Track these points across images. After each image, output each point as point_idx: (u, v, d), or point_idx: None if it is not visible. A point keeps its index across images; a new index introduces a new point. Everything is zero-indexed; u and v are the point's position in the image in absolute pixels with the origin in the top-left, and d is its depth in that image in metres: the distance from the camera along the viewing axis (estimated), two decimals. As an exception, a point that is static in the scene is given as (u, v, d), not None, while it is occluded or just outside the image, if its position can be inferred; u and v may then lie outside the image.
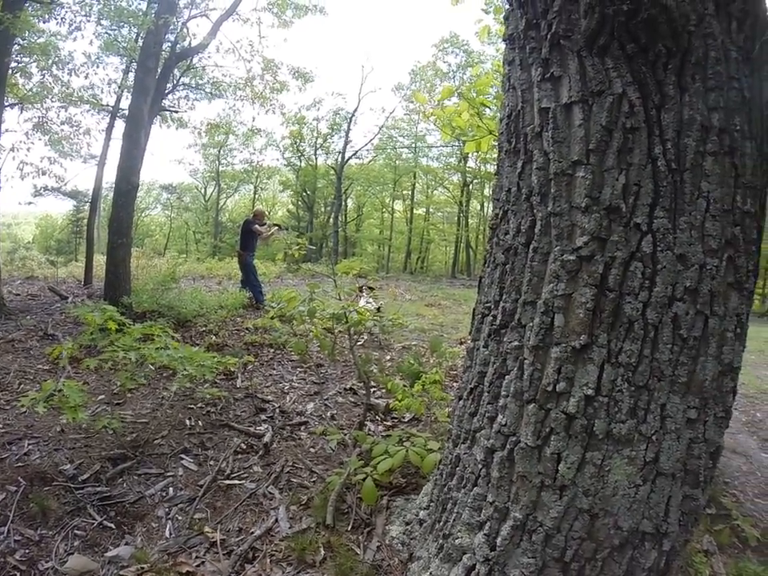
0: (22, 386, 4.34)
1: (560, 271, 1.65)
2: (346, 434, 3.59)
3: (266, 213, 10.15)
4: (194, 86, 11.09)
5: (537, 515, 1.71)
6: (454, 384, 5.06)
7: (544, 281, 1.70)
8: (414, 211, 35.74)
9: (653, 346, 1.60)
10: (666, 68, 1.60)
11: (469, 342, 2.10)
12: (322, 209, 37.76)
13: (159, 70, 8.17)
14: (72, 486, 2.83)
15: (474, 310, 2.11)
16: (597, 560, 1.66)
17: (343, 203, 35.23)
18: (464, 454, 1.98)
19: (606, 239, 1.60)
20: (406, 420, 3.98)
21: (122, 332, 3.65)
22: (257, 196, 39.90)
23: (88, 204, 11.92)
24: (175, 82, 9.62)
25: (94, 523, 2.60)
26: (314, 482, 3.09)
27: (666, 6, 1.51)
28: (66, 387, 2.76)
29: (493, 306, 1.89)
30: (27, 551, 2.37)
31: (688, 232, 1.57)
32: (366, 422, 3.70)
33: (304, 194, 36.10)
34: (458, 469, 2.02)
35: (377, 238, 38.12)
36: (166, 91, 8.88)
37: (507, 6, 2.02)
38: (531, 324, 1.71)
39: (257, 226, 8.62)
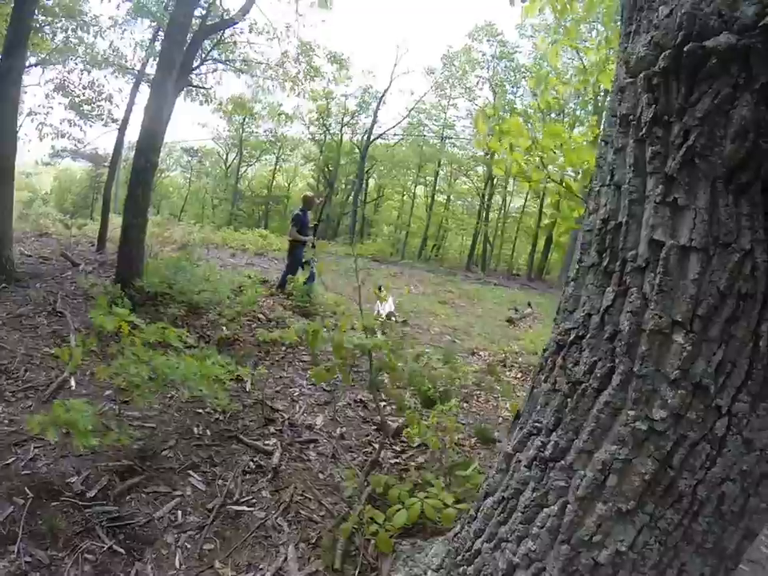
0: (28, 373, 4.29)
1: (628, 437, 1.56)
2: (355, 459, 3.56)
3: (316, 198, 9.84)
4: (222, 60, 10.81)
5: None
6: (465, 404, 5.02)
7: (607, 438, 1.61)
8: (435, 198, 35.66)
9: (693, 517, 1.54)
10: None
11: (505, 444, 2.02)
12: (343, 186, 37.66)
13: (187, 43, 7.90)
14: (80, 503, 2.79)
15: (516, 414, 2.02)
16: None
17: (364, 183, 35.13)
18: (485, 552, 1.92)
19: (683, 416, 1.50)
20: (416, 445, 3.93)
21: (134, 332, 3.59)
22: (278, 167, 39.81)
23: (107, 167, 11.72)
24: (204, 56, 9.32)
25: (104, 547, 2.56)
26: (322, 516, 3.05)
27: None
28: (74, 409, 2.71)
29: (544, 432, 1.79)
30: (38, 574, 2.35)
31: (764, 418, 1.48)
32: (379, 459, 3.62)
33: (326, 169, 35.98)
34: (476, 561, 1.97)
35: (394, 221, 38.09)
36: (193, 66, 8.60)
37: (623, 74, 1.64)
38: (583, 473, 1.64)
39: (294, 230, 8.42)
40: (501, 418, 4.85)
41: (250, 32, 9.74)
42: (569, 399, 1.72)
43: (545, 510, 1.74)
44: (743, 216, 1.41)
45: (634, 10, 1.63)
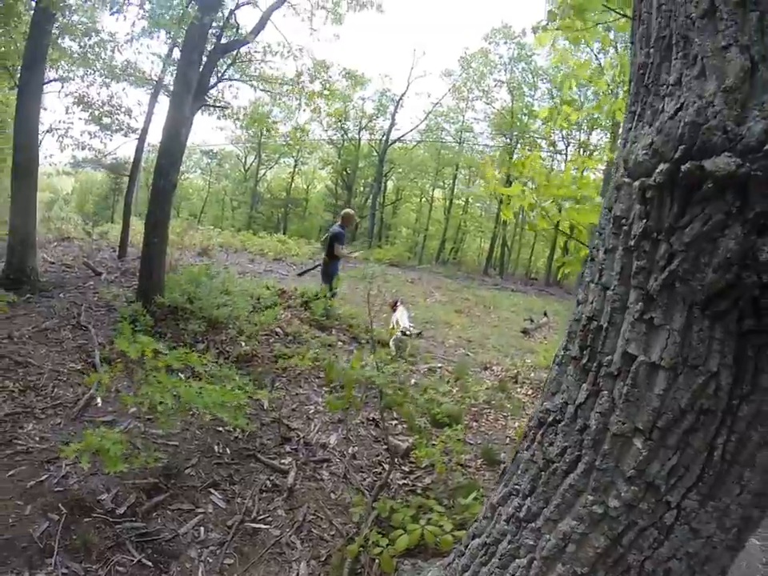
0: (55, 389, 4.51)
1: (586, 516, 1.71)
2: (365, 479, 3.76)
3: (355, 216, 9.82)
4: (238, 78, 10.82)
5: None
6: (474, 423, 5.20)
7: (570, 513, 1.77)
8: (453, 201, 35.71)
9: None
10: None
11: (492, 496, 2.19)
12: (361, 189, 37.86)
13: (203, 63, 7.84)
14: (110, 519, 3.03)
15: (503, 471, 2.20)
16: None
17: (383, 186, 35.30)
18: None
19: (635, 506, 1.63)
20: (423, 466, 4.11)
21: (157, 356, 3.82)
22: (296, 170, 40.10)
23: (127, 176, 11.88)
24: (219, 75, 9.31)
25: (133, 560, 2.79)
26: (332, 535, 3.27)
27: None
28: (106, 439, 2.94)
29: (521, 495, 1.96)
30: None
31: (711, 513, 1.59)
32: (387, 482, 3.80)
33: (344, 172, 36.19)
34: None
35: (412, 224, 38.22)
36: (210, 85, 8.55)
37: (622, 171, 1.63)
38: (548, 537, 1.81)
39: (341, 248, 8.33)
40: (508, 438, 5.01)
41: (265, 55, 9.86)
42: (543, 473, 1.87)
43: (517, 560, 1.92)
44: (715, 340, 1.44)
45: (640, 86, 1.64)
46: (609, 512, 1.66)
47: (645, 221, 1.50)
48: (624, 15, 4.24)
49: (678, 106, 1.42)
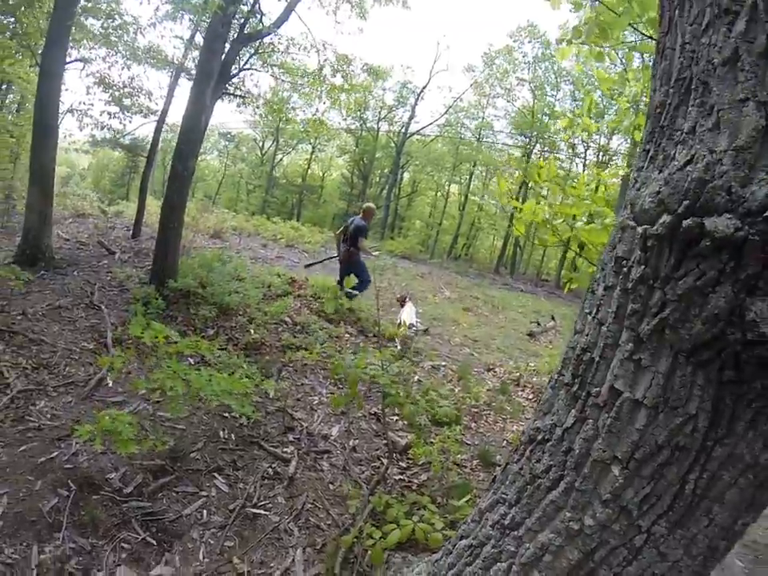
0: (68, 368, 4.62)
1: (563, 531, 1.80)
2: (364, 472, 3.89)
3: (375, 209, 9.99)
4: (258, 68, 10.74)
5: None
6: (473, 424, 5.30)
7: (549, 526, 1.85)
8: (468, 197, 35.57)
9: None
10: (749, 405, 1.48)
11: (481, 501, 2.29)
12: (377, 179, 37.86)
13: (225, 51, 7.80)
14: (118, 498, 3.15)
15: (493, 478, 2.28)
16: None
17: (399, 177, 35.27)
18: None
19: (608, 527, 1.71)
20: (420, 463, 4.22)
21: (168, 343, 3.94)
22: (313, 156, 40.12)
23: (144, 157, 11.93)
24: (241, 65, 9.16)
25: (138, 538, 2.92)
26: (329, 525, 3.39)
27: None
28: (118, 421, 3.05)
29: (507, 504, 2.05)
30: (81, 559, 2.70)
31: (679, 540, 1.67)
32: (384, 476, 3.90)
33: (361, 161, 36.20)
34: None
35: (426, 218, 38.17)
36: (232, 74, 8.46)
37: (628, 213, 1.66)
38: (528, 546, 1.90)
39: (364, 241, 8.53)
40: (505, 441, 5.10)
41: (288, 48, 9.87)
42: (528, 486, 1.97)
43: (498, 564, 2.03)
44: (696, 386, 1.50)
45: (655, 126, 1.66)
46: (584, 529, 1.75)
47: (643, 267, 1.54)
48: (650, 38, 4.25)
49: (689, 157, 1.43)
